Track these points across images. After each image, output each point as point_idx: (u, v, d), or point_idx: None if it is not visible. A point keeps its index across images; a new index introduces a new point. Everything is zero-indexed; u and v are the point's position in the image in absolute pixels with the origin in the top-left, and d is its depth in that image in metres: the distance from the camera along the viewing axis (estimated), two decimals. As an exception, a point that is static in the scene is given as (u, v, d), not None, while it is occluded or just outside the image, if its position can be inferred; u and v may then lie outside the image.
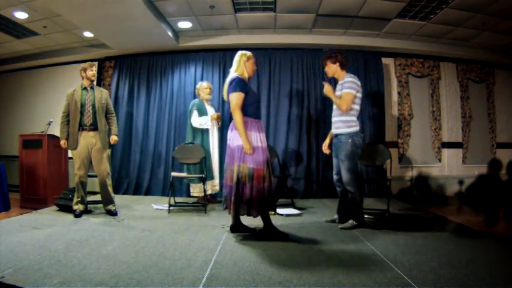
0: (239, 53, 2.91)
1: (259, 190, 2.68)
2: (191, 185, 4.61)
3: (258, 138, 2.77)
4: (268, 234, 2.80)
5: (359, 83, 3.18)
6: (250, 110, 2.77)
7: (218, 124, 4.68)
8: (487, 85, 5.93)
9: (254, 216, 2.76)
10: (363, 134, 3.33)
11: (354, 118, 3.15)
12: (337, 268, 2.09)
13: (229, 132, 2.82)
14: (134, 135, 5.52)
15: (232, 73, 2.85)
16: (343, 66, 3.25)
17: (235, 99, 2.72)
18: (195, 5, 4.38)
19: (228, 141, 2.82)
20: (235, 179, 2.69)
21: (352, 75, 3.22)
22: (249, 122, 2.75)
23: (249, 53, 2.90)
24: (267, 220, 2.83)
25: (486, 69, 5.91)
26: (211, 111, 4.57)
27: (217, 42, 5.37)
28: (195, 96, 4.90)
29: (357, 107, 3.16)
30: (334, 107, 3.23)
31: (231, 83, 2.78)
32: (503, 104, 5.95)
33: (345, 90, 3.12)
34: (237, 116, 2.70)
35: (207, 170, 4.24)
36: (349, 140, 3.11)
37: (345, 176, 3.13)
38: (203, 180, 4.12)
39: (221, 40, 5.34)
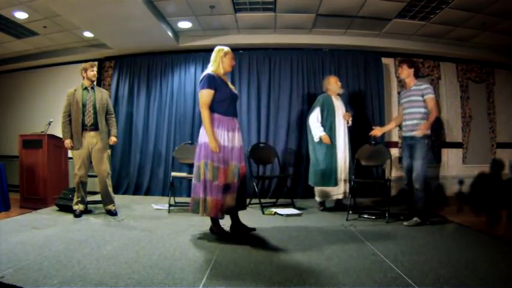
0: (216, 48, 2.87)
1: (225, 189, 2.67)
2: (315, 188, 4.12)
3: (226, 137, 2.73)
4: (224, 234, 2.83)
5: None
6: (220, 106, 2.73)
7: (348, 123, 4.15)
8: (487, 85, 5.92)
9: (220, 217, 2.75)
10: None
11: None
12: (337, 268, 2.09)
13: (201, 129, 2.79)
14: (134, 135, 5.52)
15: (208, 69, 2.82)
16: (416, 73, 3.49)
17: (203, 96, 2.71)
18: (195, 5, 4.38)
19: (198, 138, 2.81)
20: (202, 176, 2.68)
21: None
22: (218, 119, 2.72)
23: (226, 49, 2.85)
24: (215, 221, 2.83)
25: (486, 69, 5.91)
26: (340, 106, 4.14)
27: (217, 42, 5.28)
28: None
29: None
30: (411, 110, 3.37)
31: (200, 80, 2.78)
32: (503, 104, 5.94)
33: (431, 96, 3.32)
34: (204, 113, 2.69)
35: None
36: (426, 141, 3.30)
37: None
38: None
39: (221, 40, 5.32)
